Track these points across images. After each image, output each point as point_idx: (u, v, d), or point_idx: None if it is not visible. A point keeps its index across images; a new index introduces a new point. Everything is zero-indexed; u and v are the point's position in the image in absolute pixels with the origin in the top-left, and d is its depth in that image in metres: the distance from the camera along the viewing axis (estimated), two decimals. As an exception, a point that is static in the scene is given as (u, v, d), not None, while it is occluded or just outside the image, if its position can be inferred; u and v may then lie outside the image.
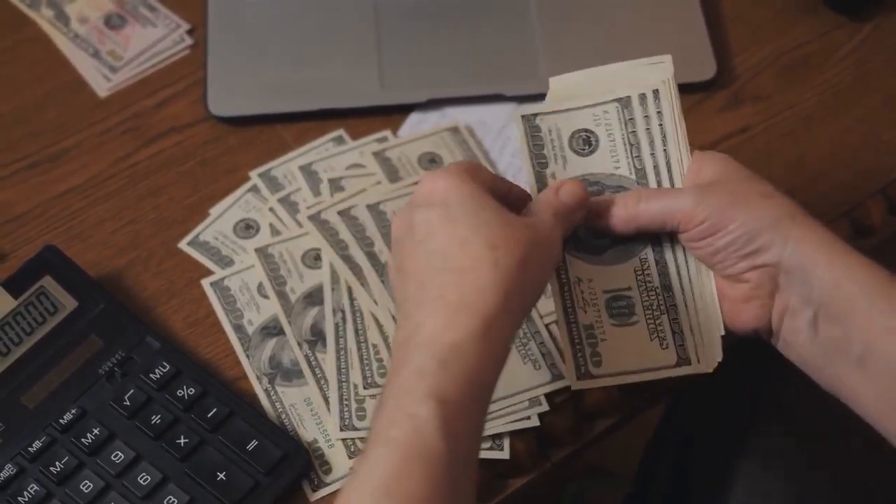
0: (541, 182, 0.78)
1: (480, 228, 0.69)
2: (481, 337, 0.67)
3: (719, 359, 0.78)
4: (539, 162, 0.79)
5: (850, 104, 0.98)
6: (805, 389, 0.89)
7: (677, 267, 0.78)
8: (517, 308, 0.69)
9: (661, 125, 0.78)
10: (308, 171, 0.94)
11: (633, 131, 0.78)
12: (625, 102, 0.78)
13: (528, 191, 0.78)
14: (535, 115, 0.79)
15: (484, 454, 0.81)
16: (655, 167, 0.78)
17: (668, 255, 0.78)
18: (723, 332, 0.78)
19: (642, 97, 0.78)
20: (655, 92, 0.78)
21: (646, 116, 0.78)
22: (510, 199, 0.76)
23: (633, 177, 0.78)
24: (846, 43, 1.02)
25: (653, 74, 0.78)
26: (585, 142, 0.79)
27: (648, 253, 0.78)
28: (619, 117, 0.78)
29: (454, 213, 0.70)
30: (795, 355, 0.76)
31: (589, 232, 0.78)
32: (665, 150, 0.78)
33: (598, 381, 0.78)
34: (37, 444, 0.80)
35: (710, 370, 0.78)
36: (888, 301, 0.72)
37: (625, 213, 0.77)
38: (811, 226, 0.74)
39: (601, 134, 0.79)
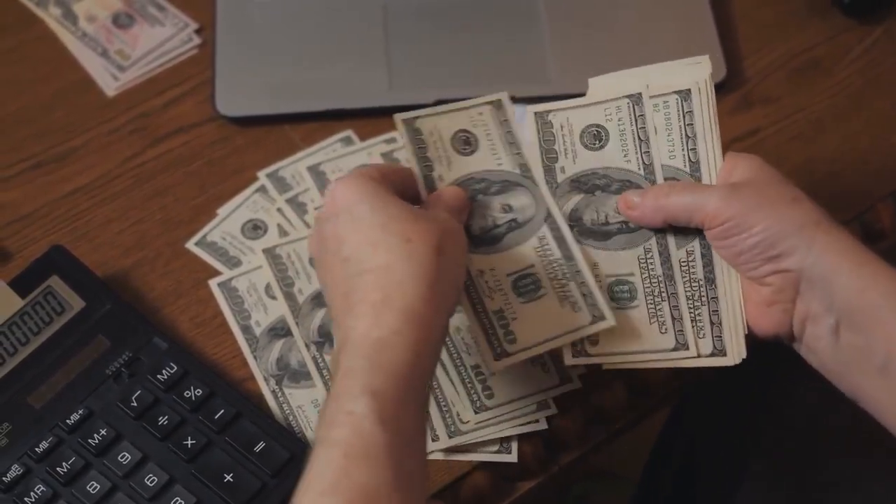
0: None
1: (389, 224, 0.71)
2: (407, 329, 0.68)
3: (743, 355, 0.78)
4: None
5: (860, 107, 0.98)
6: (810, 393, 0.89)
7: (689, 261, 0.79)
8: (440, 296, 0.70)
9: (691, 125, 0.79)
10: (316, 172, 0.93)
11: (643, 127, 0.80)
12: (636, 99, 0.80)
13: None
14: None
15: (492, 457, 0.81)
16: (684, 166, 0.80)
17: (672, 244, 0.79)
18: (743, 335, 0.78)
19: (678, 96, 0.80)
20: (687, 92, 0.80)
21: (678, 113, 0.80)
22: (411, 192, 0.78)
23: (641, 172, 0.80)
24: (856, 46, 1.01)
25: (691, 74, 0.80)
26: (596, 137, 0.81)
27: (653, 242, 0.80)
28: (630, 113, 0.80)
29: (358, 215, 0.71)
30: (817, 361, 0.76)
31: (483, 225, 0.79)
32: (694, 149, 0.79)
33: (516, 356, 0.77)
34: (43, 445, 0.79)
35: (733, 363, 0.78)
36: None
37: (654, 202, 0.78)
38: (836, 233, 0.74)
39: (612, 129, 0.81)
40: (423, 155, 0.80)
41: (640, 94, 0.80)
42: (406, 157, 0.80)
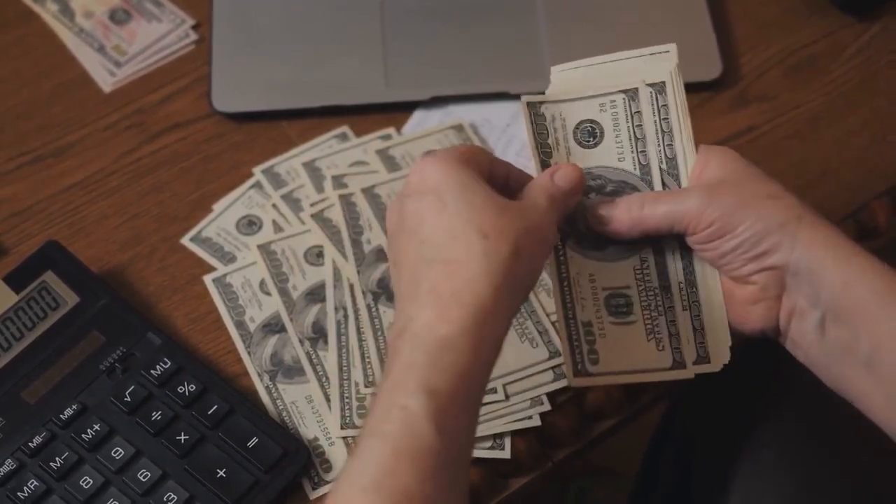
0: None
1: (471, 217, 0.69)
2: (472, 329, 0.66)
3: (726, 360, 0.78)
4: (544, 151, 0.77)
5: (856, 105, 0.98)
6: (807, 390, 0.89)
7: (680, 266, 0.78)
8: (510, 298, 0.68)
9: (666, 119, 0.77)
10: (311, 168, 0.94)
11: (640, 125, 0.77)
12: (632, 94, 0.77)
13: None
14: (540, 103, 0.77)
15: (485, 453, 0.81)
16: (660, 163, 0.77)
17: (669, 253, 0.77)
18: (729, 338, 0.77)
19: (650, 88, 0.77)
20: (661, 84, 0.77)
21: (653, 108, 0.77)
22: (510, 184, 0.75)
23: (638, 172, 0.77)
24: (853, 43, 1.01)
25: (658, 64, 0.77)
26: (590, 133, 0.78)
27: (649, 252, 0.78)
28: (626, 109, 0.77)
29: (444, 201, 0.69)
30: (803, 356, 0.76)
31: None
32: (670, 145, 0.77)
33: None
34: (37, 440, 0.80)
35: (717, 369, 0.78)
36: None
37: (628, 217, 0.76)
38: (819, 227, 0.74)
39: (607, 126, 0.77)
40: (543, 141, 0.77)
41: (636, 88, 0.77)
42: (525, 142, 0.76)
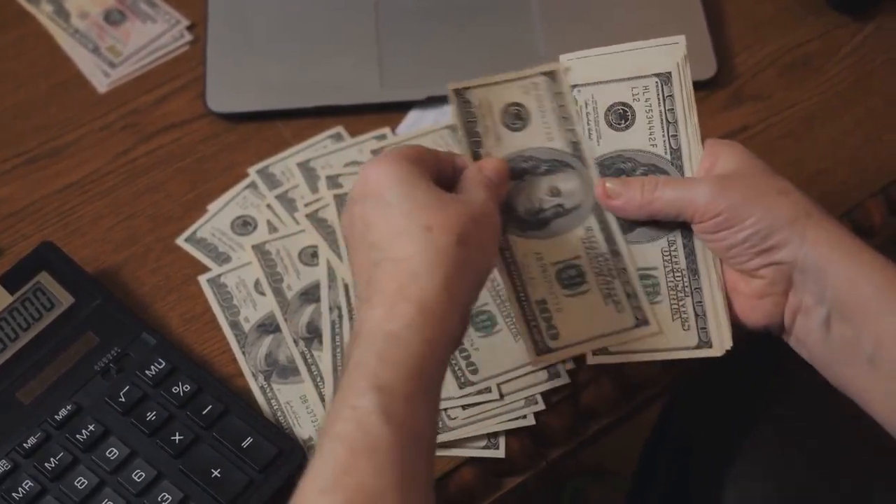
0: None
1: (414, 212, 0.69)
2: (420, 322, 0.66)
3: (729, 345, 0.78)
4: (473, 141, 0.78)
5: (851, 104, 0.98)
6: (805, 389, 0.89)
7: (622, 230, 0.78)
8: (460, 287, 0.69)
9: (672, 109, 0.78)
10: (306, 168, 0.94)
11: (672, 108, 0.78)
12: (665, 78, 0.78)
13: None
14: (466, 88, 0.78)
15: (479, 453, 0.81)
16: (665, 153, 0.78)
17: (612, 221, 0.78)
18: (729, 324, 0.78)
19: (658, 79, 0.78)
20: (668, 75, 0.78)
21: (670, 96, 0.78)
22: (457, 175, 0.75)
23: (668, 157, 0.78)
24: (848, 43, 1.01)
25: (666, 56, 0.78)
26: (622, 116, 0.79)
27: (593, 222, 0.78)
28: (658, 93, 0.78)
29: (387, 201, 0.70)
30: (807, 353, 0.76)
31: (530, 208, 0.78)
32: (676, 135, 0.78)
33: (558, 353, 0.78)
34: (31, 440, 0.80)
35: (720, 354, 0.78)
36: None
37: (640, 198, 0.77)
38: (827, 225, 0.74)
39: (638, 109, 0.78)
40: (472, 129, 0.78)
41: (669, 73, 0.78)
42: (454, 131, 0.77)
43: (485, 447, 0.82)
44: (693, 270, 0.78)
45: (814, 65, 1.00)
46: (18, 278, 0.85)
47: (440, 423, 0.81)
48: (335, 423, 0.64)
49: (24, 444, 0.79)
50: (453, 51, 1.01)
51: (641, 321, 0.77)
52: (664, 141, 0.78)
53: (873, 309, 0.72)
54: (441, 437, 0.81)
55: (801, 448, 0.89)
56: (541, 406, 0.82)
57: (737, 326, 0.78)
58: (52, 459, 0.79)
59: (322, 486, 0.62)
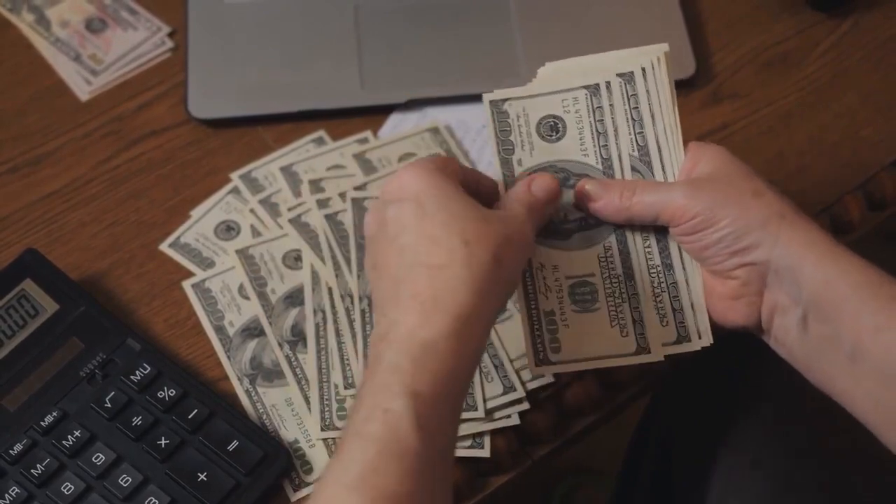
0: (506, 168, 0.79)
1: (452, 223, 0.70)
2: (454, 334, 0.67)
3: (709, 341, 0.78)
4: (505, 149, 0.79)
5: (828, 101, 0.99)
6: (786, 386, 0.90)
7: (656, 250, 0.78)
8: (490, 304, 0.70)
9: (636, 108, 0.78)
10: (289, 173, 0.94)
11: (601, 119, 0.79)
12: (593, 90, 0.79)
13: (494, 177, 0.79)
14: (504, 100, 0.79)
15: (464, 452, 0.82)
16: (631, 151, 0.78)
17: (633, 240, 0.78)
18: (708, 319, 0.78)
19: (621, 80, 0.78)
20: (630, 74, 0.78)
21: (633, 95, 0.78)
22: (480, 192, 0.76)
23: (600, 166, 0.79)
24: (825, 40, 1.02)
25: (641, 56, 0.79)
26: (553, 128, 0.79)
27: (612, 240, 0.79)
28: (588, 105, 0.79)
29: (426, 208, 0.70)
30: (786, 353, 0.77)
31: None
32: (641, 133, 0.78)
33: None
34: (18, 447, 0.80)
35: (697, 348, 0.78)
36: (877, 299, 0.72)
37: (619, 202, 0.77)
38: (801, 225, 0.75)
39: (569, 121, 0.79)
40: (505, 138, 0.78)
41: (597, 84, 0.78)
42: (487, 138, 0.77)
43: (470, 446, 0.82)
44: (629, 276, 0.78)
45: (791, 62, 1.01)
46: (2, 286, 0.85)
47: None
48: (365, 422, 0.65)
49: (11, 451, 0.80)
50: (433, 53, 1.01)
51: (643, 349, 0.78)
52: (595, 151, 0.79)
53: (852, 307, 0.73)
54: (426, 438, 0.81)
55: (782, 444, 0.90)
56: (525, 405, 0.83)
57: (715, 327, 0.78)
58: (38, 466, 0.79)
59: (349, 484, 0.63)
